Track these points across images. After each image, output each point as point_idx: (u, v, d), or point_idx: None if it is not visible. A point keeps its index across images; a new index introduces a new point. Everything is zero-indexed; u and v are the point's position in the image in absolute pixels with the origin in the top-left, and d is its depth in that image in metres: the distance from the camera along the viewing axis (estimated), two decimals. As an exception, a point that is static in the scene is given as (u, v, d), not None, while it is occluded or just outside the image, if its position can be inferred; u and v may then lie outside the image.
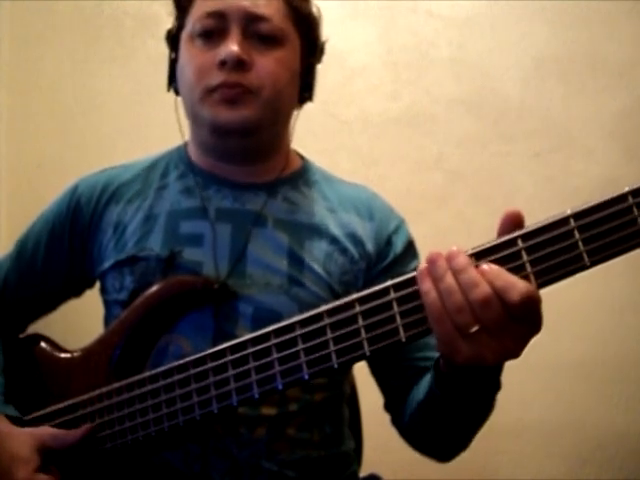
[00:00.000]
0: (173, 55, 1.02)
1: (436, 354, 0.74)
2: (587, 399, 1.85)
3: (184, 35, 1.00)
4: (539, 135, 1.93)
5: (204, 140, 1.02)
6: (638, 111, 1.89)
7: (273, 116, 0.99)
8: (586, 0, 1.91)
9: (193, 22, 0.98)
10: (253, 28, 0.95)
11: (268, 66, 0.95)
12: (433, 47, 1.98)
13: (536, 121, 1.94)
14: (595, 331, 1.86)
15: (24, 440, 0.87)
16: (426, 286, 0.67)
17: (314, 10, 1.03)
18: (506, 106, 1.95)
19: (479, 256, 0.66)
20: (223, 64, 0.93)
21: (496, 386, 0.79)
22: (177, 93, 1.03)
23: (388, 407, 1.03)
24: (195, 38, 0.97)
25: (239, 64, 0.93)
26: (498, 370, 0.76)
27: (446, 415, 0.84)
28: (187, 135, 1.07)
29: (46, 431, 0.89)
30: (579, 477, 1.83)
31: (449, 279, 0.65)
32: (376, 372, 1.04)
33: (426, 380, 0.86)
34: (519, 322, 0.64)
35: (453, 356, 0.67)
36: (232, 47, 0.93)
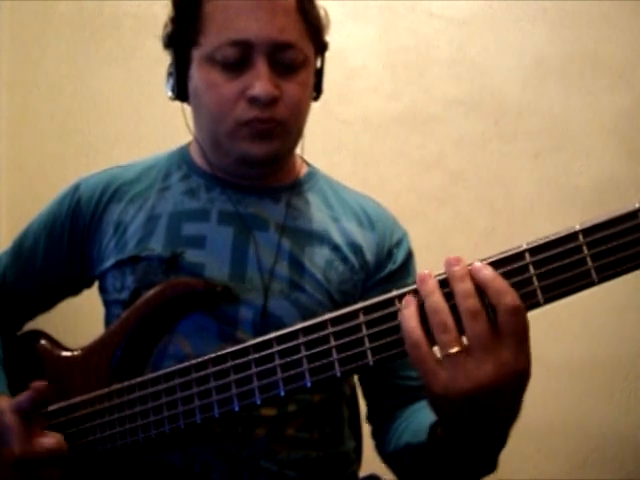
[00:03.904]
0: (176, 61, 0.97)
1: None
2: (587, 399, 1.85)
3: (199, 54, 0.94)
4: (539, 135, 1.93)
5: (224, 165, 1.00)
6: (638, 111, 1.89)
7: (296, 139, 1.00)
8: (586, 0, 1.91)
9: (214, 47, 0.92)
10: (278, 56, 0.92)
11: (294, 94, 0.93)
12: (433, 47, 1.98)
13: (536, 121, 1.94)
14: (595, 331, 1.87)
15: (2, 408, 0.84)
16: (409, 311, 0.65)
17: (322, 15, 0.99)
18: (506, 106, 1.95)
19: None
20: (255, 100, 0.91)
21: (492, 465, 0.77)
22: (182, 100, 1.00)
23: (370, 420, 1.05)
24: (215, 62, 0.92)
25: (271, 101, 0.91)
26: (497, 447, 0.74)
27: (436, 472, 0.82)
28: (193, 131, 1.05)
29: (21, 395, 0.85)
30: (579, 477, 1.84)
31: (437, 296, 0.64)
32: (363, 386, 1.05)
33: (420, 429, 0.82)
34: (502, 344, 0.61)
35: (431, 383, 0.64)
36: (265, 85, 0.90)
